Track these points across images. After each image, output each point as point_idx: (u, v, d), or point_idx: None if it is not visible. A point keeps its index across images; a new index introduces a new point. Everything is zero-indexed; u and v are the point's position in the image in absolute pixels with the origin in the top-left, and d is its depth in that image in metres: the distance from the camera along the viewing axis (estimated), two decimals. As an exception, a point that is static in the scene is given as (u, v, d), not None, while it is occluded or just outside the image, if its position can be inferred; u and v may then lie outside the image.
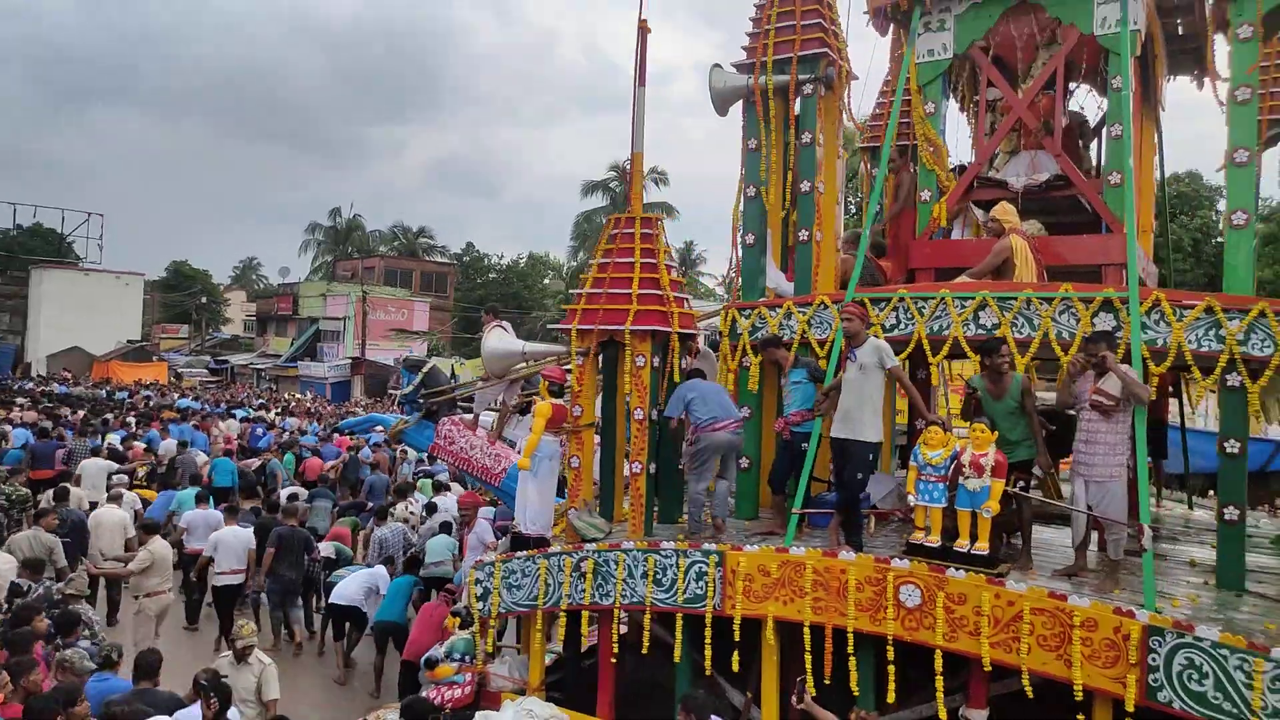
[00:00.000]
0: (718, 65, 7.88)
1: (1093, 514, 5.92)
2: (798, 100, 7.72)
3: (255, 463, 16.31)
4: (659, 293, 7.21)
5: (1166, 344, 6.02)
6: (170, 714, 5.94)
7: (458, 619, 7.23)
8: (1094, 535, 6.22)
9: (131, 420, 20.21)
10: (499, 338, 8.42)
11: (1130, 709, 5.01)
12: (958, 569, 5.71)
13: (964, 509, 6.03)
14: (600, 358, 7.46)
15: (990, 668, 5.38)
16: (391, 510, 11.67)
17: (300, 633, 10.35)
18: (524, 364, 8.55)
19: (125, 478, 13.61)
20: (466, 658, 7.07)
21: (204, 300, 70.27)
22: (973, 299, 6.61)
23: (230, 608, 10.21)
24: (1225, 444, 6.02)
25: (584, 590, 6.70)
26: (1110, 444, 5.87)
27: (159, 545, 9.69)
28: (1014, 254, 6.90)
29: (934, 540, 6.11)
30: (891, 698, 5.68)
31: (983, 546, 5.93)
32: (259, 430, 20.40)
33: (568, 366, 7.68)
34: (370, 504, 13.16)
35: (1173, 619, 5.02)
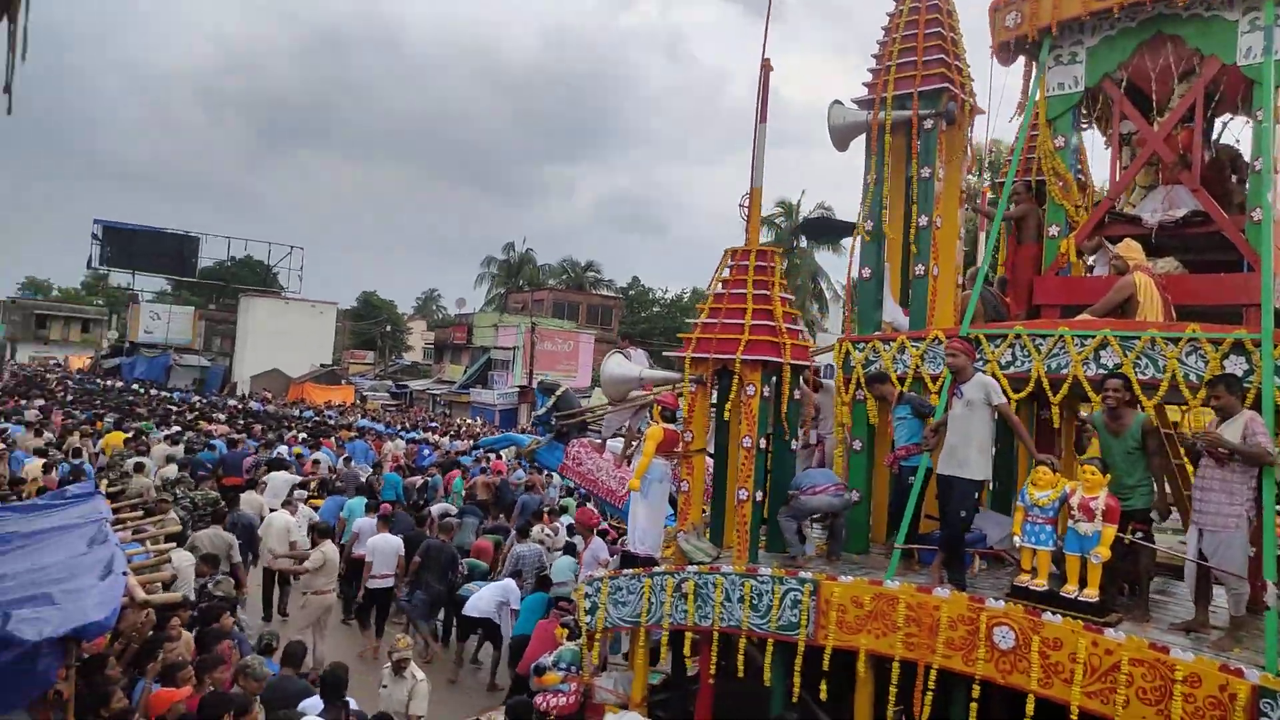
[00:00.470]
0: (838, 101, 8.00)
1: (1208, 565, 5.60)
2: (919, 135, 7.72)
3: (418, 480, 17.39)
4: (771, 324, 7.34)
5: (1304, 389, 5.64)
6: (298, 701, 6.55)
7: (566, 630, 7.55)
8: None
9: (302, 435, 21.94)
10: (618, 363, 8.77)
11: (1237, 774, 4.71)
12: (1059, 613, 5.54)
13: (1073, 553, 5.84)
14: (717, 386, 7.66)
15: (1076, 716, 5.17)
16: (530, 530, 12.22)
17: (435, 642, 10.99)
18: (642, 390, 8.87)
19: (303, 491, 14.82)
20: (573, 668, 7.38)
21: (389, 329, 75.05)
22: (1093, 337, 6.40)
23: (380, 609, 11.00)
24: None
25: (685, 611, 6.88)
26: (1228, 491, 5.55)
27: (329, 548, 10.60)
28: (1138, 291, 6.63)
29: (1040, 584, 5.94)
30: None
31: (1092, 593, 5.72)
32: (425, 450, 21.68)
33: (681, 393, 7.91)
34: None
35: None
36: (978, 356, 6.74)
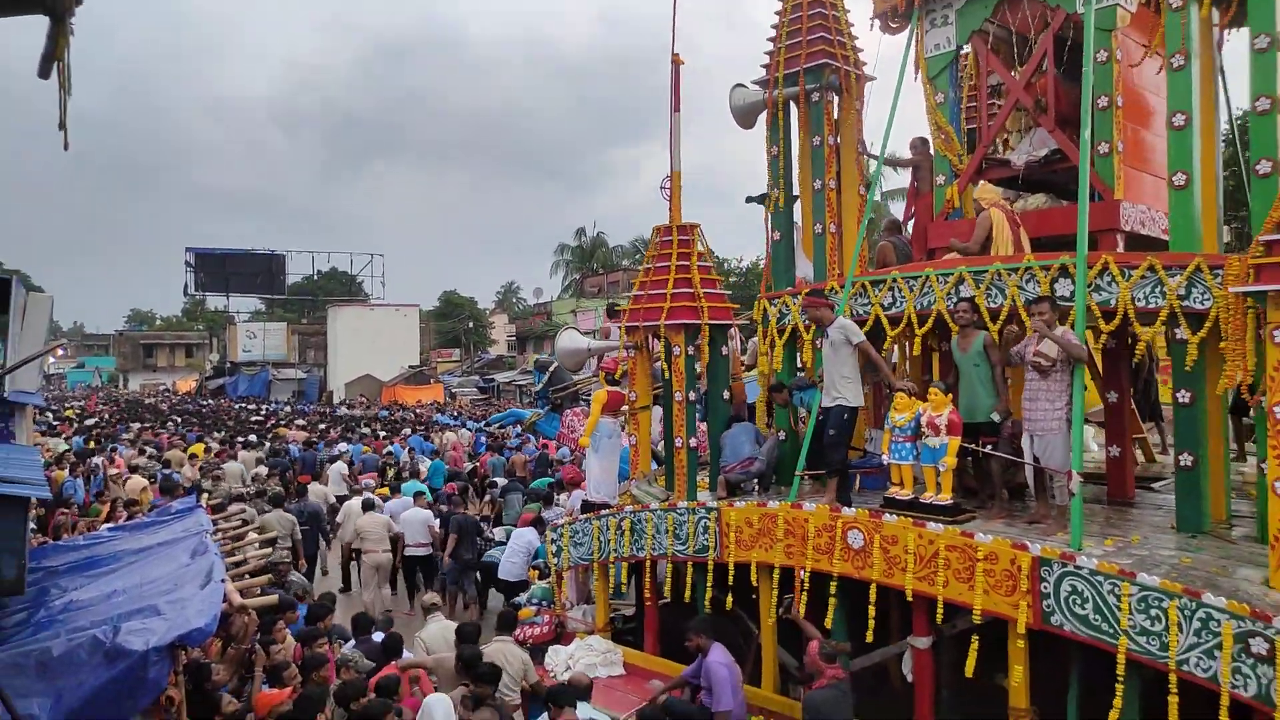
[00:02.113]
0: (739, 85, 9.03)
1: (1039, 465, 6.55)
2: (808, 107, 8.70)
3: (469, 466, 19.05)
4: (691, 290, 8.47)
5: (1116, 303, 6.51)
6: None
7: (537, 571, 8.89)
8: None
9: (367, 431, 23.98)
10: (570, 338, 10.04)
11: (1021, 630, 5.71)
12: (927, 518, 6.57)
13: (928, 464, 6.85)
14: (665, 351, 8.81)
15: (911, 597, 6.24)
16: (557, 498, 13.60)
17: (470, 599, 12.49)
18: (591, 357, 10.11)
19: (370, 481, 16.60)
20: (545, 603, 8.71)
21: (471, 325, 77.73)
22: (952, 274, 7.35)
23: (414, 573, 12.58)
24: (1177, 394, 6.41)
25: (625, 545, 8.14)
26: (1050, 400, 6.49)
27: (372, 518, 12.37)
28: (993, 228, 7.52)
29: (905, 493, 6.97)
30: (871, 635, 6.65)
31: (945, 497, 6.73)
32: (481, 439, 23.40)
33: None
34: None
35: (1060, 550, 5.67)
36: (835, 302, 7.76)
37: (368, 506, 12.48)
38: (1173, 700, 5.13)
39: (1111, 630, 5.37)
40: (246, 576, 7.71)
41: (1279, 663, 4.76)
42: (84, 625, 5.07)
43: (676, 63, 8.96)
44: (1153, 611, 5.22)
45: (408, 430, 25.28)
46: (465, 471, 17.99)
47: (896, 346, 9.20)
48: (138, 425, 29.28)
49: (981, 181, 7.91)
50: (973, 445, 7.00)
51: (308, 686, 6.52)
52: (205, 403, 47.34)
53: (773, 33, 9.00)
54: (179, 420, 32.21)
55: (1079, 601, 5.53)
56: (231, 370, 64.88)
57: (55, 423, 28.24)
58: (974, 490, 7.51)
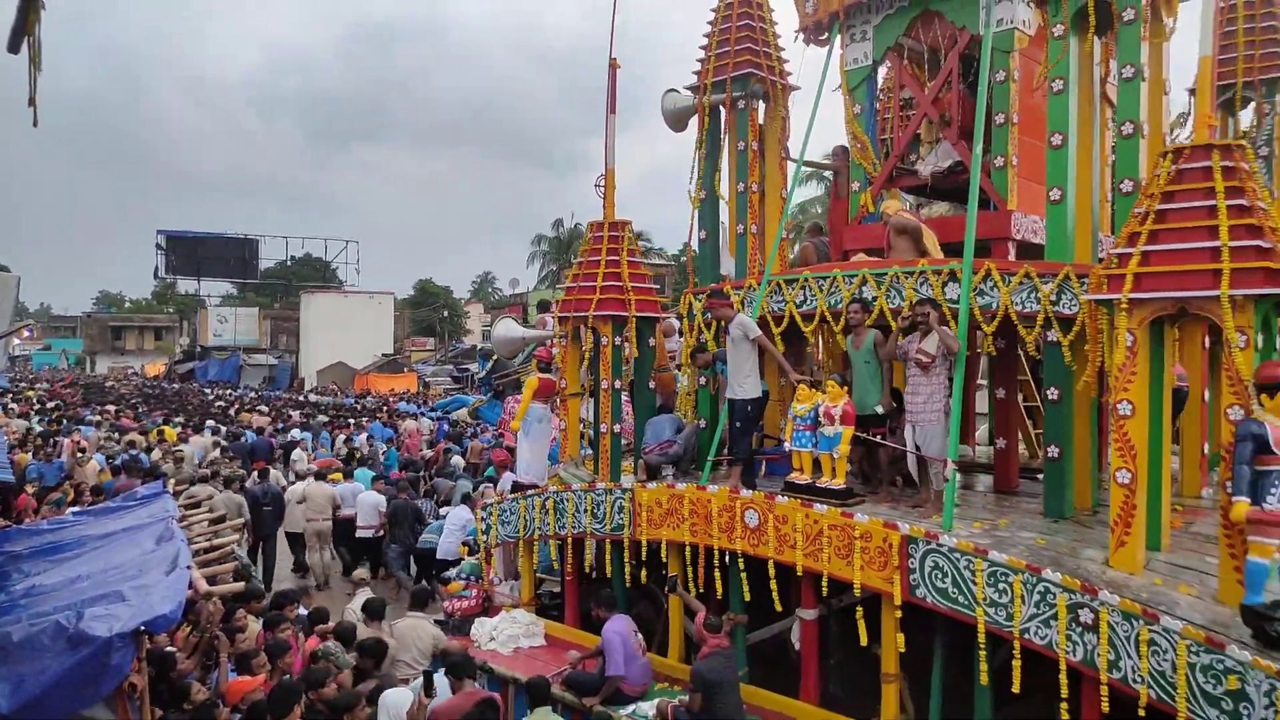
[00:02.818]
0: (671, 90, 9.58)
1: (919, 453, 7.15)
2: (734, 113, 9.26)
3: (429, 454, 19.55)
4: (619, 284, 9.02)
5: (998, 306, 7.10)
6: None
7: (466, 547, 9.42)
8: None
9: (327, 419, 24.52)
10: (505, 328, 10.56)
11: (898, 603, 6.31)
12: (818, 501, 7.14)
13: (824, 451, 7.43)
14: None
15: (800, 572, 6.82)
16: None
17: (405, 582, 12.98)
18: (526, 345, 10.64)
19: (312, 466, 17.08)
20: (473, 578, 9.25)
21: (446, 314, 77.97)
22: (856, 276, 7.92)
23: (362, 554, 13.10)
24: (1048, 391, 7.02)
25: (549, 524, 8.68)
26: (929, 393, 7.09)
27: (320, 487, 12.92)
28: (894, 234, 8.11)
29: (804, 478, 7.54)
30: (779, 607, 7.24)
31: (838, 482, 7.31)
32: (444, 427, 23.88)
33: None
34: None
35: (925, 530, 6.26)
36: (739, 302, 8.33)
37: (318, 478, 13.02)
38: (1016, 665, 5.74)
39: (967, 602, 5.97)
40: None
41: (1102, 631, 5.36)
42: (47, 610, 5.10)
43: (613, 67, 9.50)
44: (1000, 585, 5.82)
45: (365, 419, 25.77)
46: (420, 460, 18.51)
47: (821, 341, 9.81)
48: (114, 408, 29.51)
49: (893, 191, 8.49)
50: (864, 435, 7.59)
51: (283, 679, 6.54)
52: (171, 386, 47.47)
53: (705, 41, 9.53)
54: (140, 404, 32.48)
55: (940, 576, 6.12)
56: (201, 355, 64.76)
57: (13, 404, 28.46)
58: (868, 477, 8.10)
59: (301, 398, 40.33)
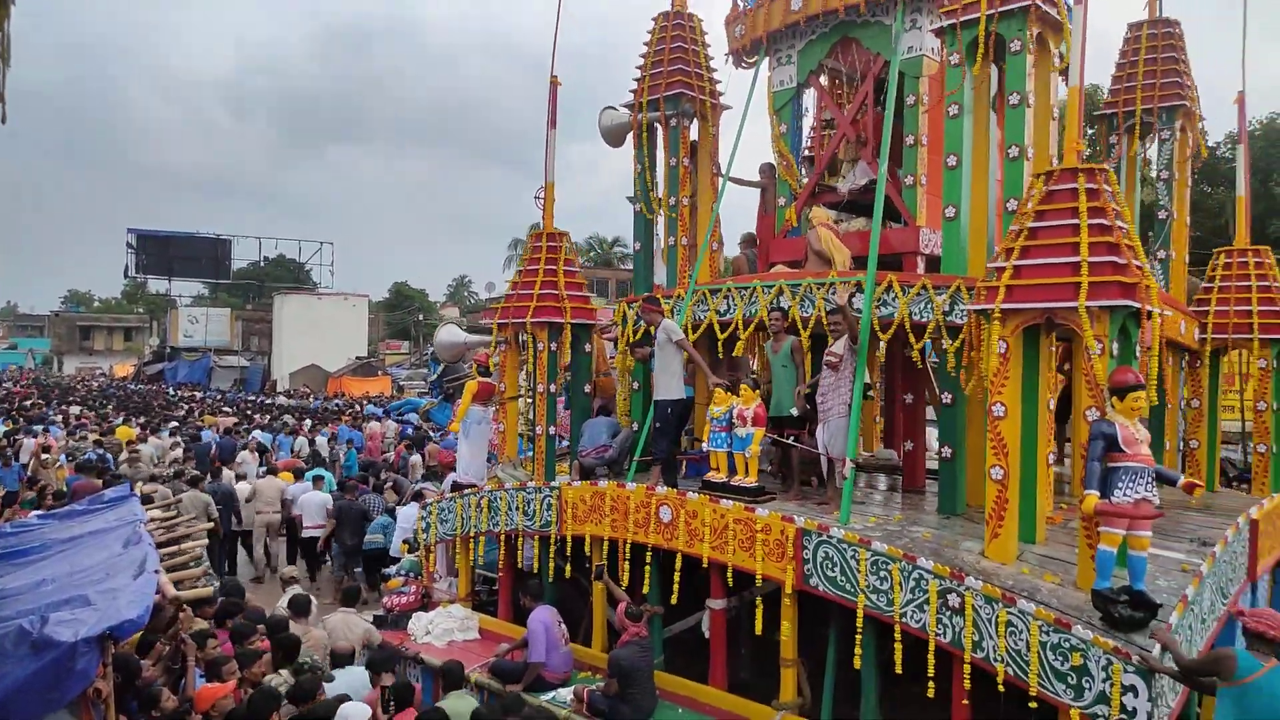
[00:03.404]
0: (609, 107, 10.13)
1: (826, 454, 7.72)
2: (668, 131, 9.82)
3: (390, 455, 19.99)
4: (556, 292, 9.54)
5: (897, 315, 7.67)
6: None
7: (407, 545, 9.91)
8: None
9: (291, 420, 24.93)
10: (448, 333, 11.11)
11: (788, 590, 6.86)
12: (730, 497, 7.68)
13: (738, 451, 7.98)
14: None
15: (706, 564, 7.37)
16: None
17: (351, 581, 13.37)
18: (468, 350, 11.17)
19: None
20: (412, 574, 9.74)
21: (421, 317, 78.26)
22: (774, 286, 8.49)
23: (310, 554, 13.52)
24: (942, 396, 7.60)
25: (483, 521, 9.19)
26: (837, 392, 7.67)
27: (269, 482, 13.38)
28: (822, 242, 8.67)
29: (720, 477, 8.09)
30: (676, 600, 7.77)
31: (751, 480, 7.87)
32: (408, 429, 24.31)
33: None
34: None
35: (818, 523, 6.81)
36: (668, 310, 8.87)
37: (270, 473, 13.48)
38: (897, 647, 6.30)
39: (852, 589, 6.52)
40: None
41: (967, 614, 5.93)
42: (10, 615, 5.04)
43: (554, 84, 10.03)
44: (881, 573, 6.38)
45: (331, 422, 26.20)
46: (383, 462, 18.96)
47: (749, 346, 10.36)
48: (77, 409, 29.75)
49: (816, 206, 9.07)
50: (778, 436, 8.16)
51: (262, 684, 6.54)
52: (134, 387, 47.57)
53: (642, 61, 10.09)
54: (102, 404, 32.71)
55: (830, 565, 6.67)
56: (171, 355, 64.46)
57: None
58: (784, 475, 8.67)
59: (269, 400, 40.56)
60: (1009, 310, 6.34)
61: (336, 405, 34.45)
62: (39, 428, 22.09)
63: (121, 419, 24.97)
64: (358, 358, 63.50)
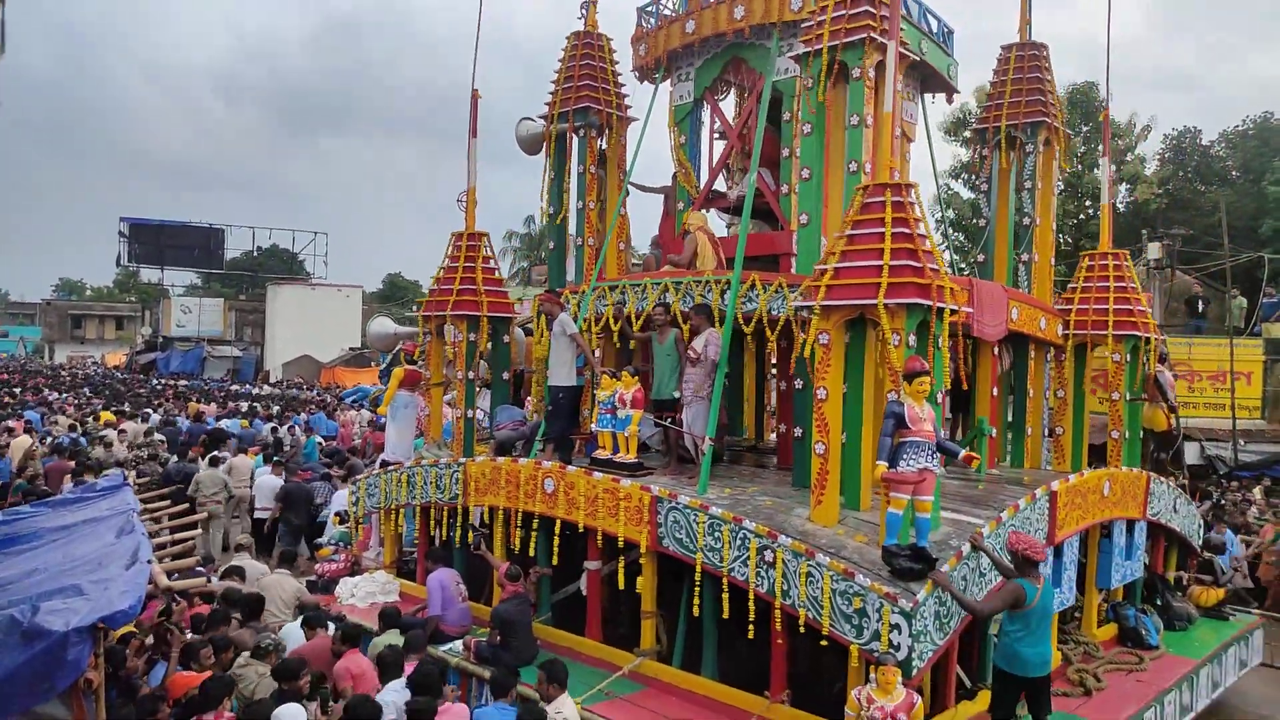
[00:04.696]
0: (526, 118, 11.32)
1: (690, 432, 8.92)
2: (576, 142, 11.01)
3: (358, 442, 21.29)
4: (474, 287, 10.73)
5: (757, 310, 8.86)
6: None
7: (339, 517, 11.15)
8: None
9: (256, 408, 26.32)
10: (379, 324, 12.33)
11: (645, 550, 8.06)
12: (611, 472, 8.87)
13: (620, 431, 9.18)
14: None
15: (582, 529, 8.58)
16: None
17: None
18: (399, 340, 12.40)
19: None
20: (342, 544, 10.98)
21: (416, 309, 79.57)
22: (660, 284, 9.68)
23: (259, 534, 14.72)
24: (794, 381, 8.78)
25: (403, 495, 10.42)
26: (697, 381, 8.87)
27: (210, 473, 14.56)
28: (699, 247, 9.87)
29: (605, 454, 9.28)
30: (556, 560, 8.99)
31: (629, 456, 9.07)
32: (381, 419, 25.60)
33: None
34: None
35: (669, 490, 8.01)
36: (567, 302, 10.06)
37: (213, 463, 14.71)
38: (725, 597, 7.50)
39: (693, 548, 7.72)
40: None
41: (778, 567, 7.12)
42: (1, 604, 5.08)
43: (475, 97, 11.21)
44: (716, 534, 7.57)
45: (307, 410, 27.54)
46: (344, 450, 20.23)
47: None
48: (58, 395, 31.18)
49: (692, 211, 10.26)
50: (658, 418, 9.36)
51: (214, 671, 6.73)
52: (122, 376, 48.98)
53: (555, 75, 11.28)
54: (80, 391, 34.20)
55: (678, 528, 7.87)
56: (164, 345, 65.61)
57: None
58: (663, 452, 9.86)
59: (256, 390, 41.91)
60: (828, 306, 7.50)
61: (316, 395, 35.74)
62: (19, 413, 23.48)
63: (100, 405, 26.35)
64: (350, 348, 64.52)
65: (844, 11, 8.41)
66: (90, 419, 22.85)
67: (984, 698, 7.66)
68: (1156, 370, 11.05)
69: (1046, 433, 10.98)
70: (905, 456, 6.96)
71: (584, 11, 11.23)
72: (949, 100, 11.16)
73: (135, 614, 5.53)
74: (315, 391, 39.23)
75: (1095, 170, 38.33)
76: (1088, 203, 39.00)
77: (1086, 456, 10.95)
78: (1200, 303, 23.60)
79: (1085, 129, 38.28)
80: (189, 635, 7.56)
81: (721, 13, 10.10)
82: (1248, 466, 19.93)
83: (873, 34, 8.25)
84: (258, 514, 14.62)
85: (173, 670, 6.93)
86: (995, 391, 10.26)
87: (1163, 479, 10.48)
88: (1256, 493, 17.60)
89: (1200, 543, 11.36)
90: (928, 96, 10.95)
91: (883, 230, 7.34)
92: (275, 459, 15.66)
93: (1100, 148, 37.64)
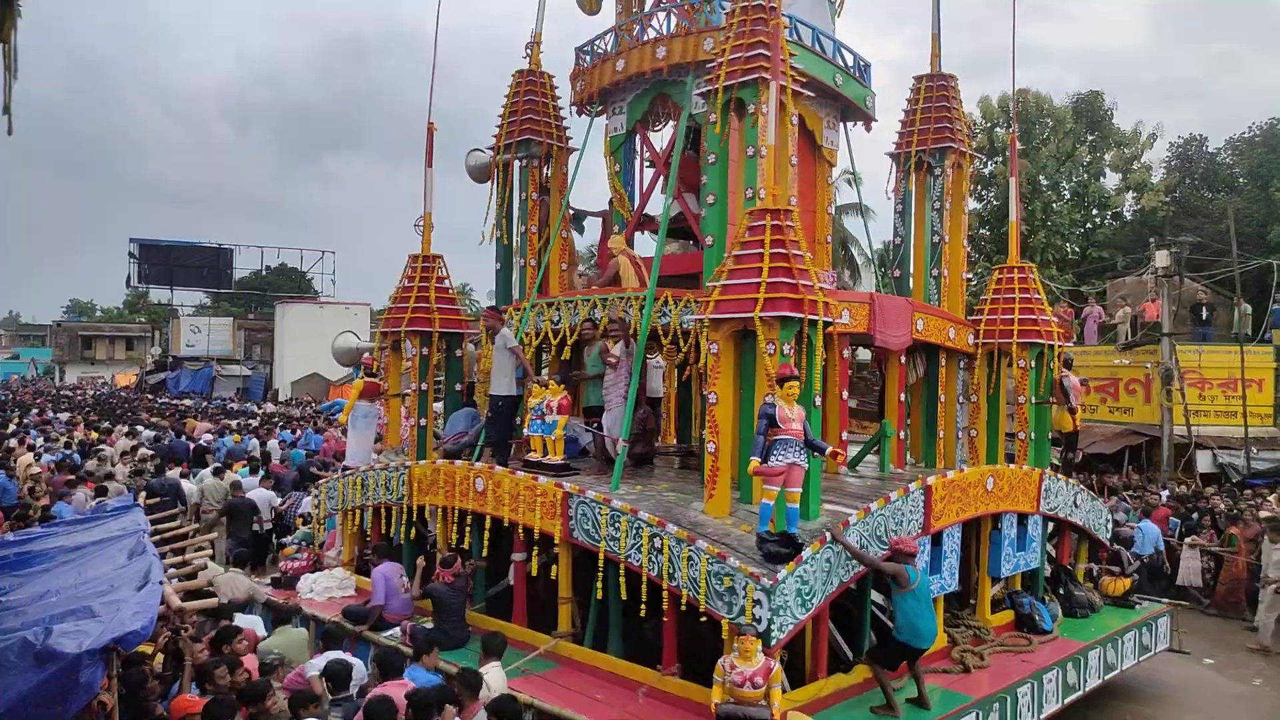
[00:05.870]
0: (475, 149, 12.57)
1: (605, 434, 10.06)
2: (520, 171, 12.24)
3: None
4: (427, 304, 11.93)
5: (671, 323, 10.00)
6: None
7: (302, 519, 12.36)
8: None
9: (256, 424, 27.71)
10: (344, 340, 13.57)
11: (558, 541, 9.19)
12: (539, 473, 10.01)
13: (547, 435, 10.33)
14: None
15: (507, 524, 9.72)
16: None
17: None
18: (361, 355, 13.63)
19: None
20: (304, 543, 12.19)
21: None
22: (589, 300, 10.85)
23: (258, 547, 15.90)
24: (709, 395, 9.89)
25: (358, 497, 11.61)
26: (616, 387, 10.02)
27: (187, 484, 15.82)
28: (621, 269, 11.03)
29: (536, 456, 10.43)
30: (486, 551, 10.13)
31: (556, 458, 10.22)
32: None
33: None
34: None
35: (578, 486, 9.14)
36: (509, 319, 11.24)
37: (216, 474, 16.00)
38: (622, 581, 8.62)
39: (597, 537, 8.84)
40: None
41: (665, 552, 8.22)
42: (14, 626, 5.16)
43: (430, 129, 12.46)
44: (616, 524, 8.68)
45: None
46: (328, 460, 21.50)
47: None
48: (66, 415, 32.80)
49: (613, 234, 11.44)
50: (586, 423, 10.51)
51: (220, 692, 6.71)
52: (126, 396, 50.76)
53: (501, 109, 12.52)
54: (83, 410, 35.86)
55: (586, 520, 8.98)
56: (174, 365, 67.19)
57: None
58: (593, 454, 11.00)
59: (256, 409, 43.38)
60: (715, 319, 8.64)
61: (309, 412, 37.22)
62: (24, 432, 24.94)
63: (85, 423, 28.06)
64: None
65: (740, 54, 9.54)
66: (68, 434, 24.38)
67: (859, 671, 8.74)
68: (1062, 375, 12.06)
69: (959, 434, 12.03)
70: (776, 452, 8.05)
71: (528, 51, 12.48)
72: (867, 129, 12.32)
73: (147, 635, 5.59)
74: (302, 409, 40.69)
75: (1101, 179, 39.40)
76: (1094, 211, 40.00)
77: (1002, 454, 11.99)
78: (1204, 310, 24.04)
79: (1091, 138, 39.33)
80: (203, 653, 7.62)
81: (647, 52, 11.29)
82: (1261, 474, 20.44)
83: (764, 74, 9.38)
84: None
85: (187, 686, 6.95)
86: (903, 397, 11.30)
87: (1060, 476, 11.49)
88: (1273, 500, 17.86)
89: (1108, 536, 12.35)
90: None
91: (763, 251, 8.48)
92: (263, 473, 16.90)
93: (1106, 156, 38.77)
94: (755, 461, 8.08)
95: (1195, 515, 16.84)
